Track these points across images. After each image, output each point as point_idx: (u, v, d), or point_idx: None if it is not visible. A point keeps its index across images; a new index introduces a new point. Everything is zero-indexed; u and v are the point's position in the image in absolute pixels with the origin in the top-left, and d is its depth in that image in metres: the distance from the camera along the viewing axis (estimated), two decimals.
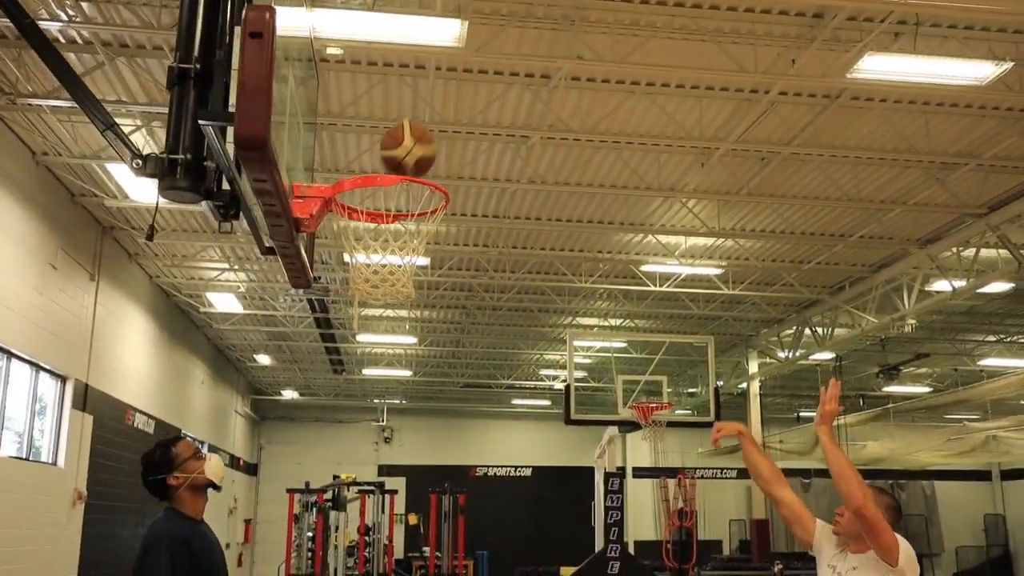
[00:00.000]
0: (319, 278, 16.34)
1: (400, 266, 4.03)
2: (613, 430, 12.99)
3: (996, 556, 30.31)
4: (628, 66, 8.64)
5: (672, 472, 23.55)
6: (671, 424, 13.14)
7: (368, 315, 19.32)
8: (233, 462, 24.68)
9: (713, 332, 19.45)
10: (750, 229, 13.76)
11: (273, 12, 3.20)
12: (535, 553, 24.98)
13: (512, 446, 31.26)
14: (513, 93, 9.84)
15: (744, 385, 21.25)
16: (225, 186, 3.92)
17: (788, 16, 8.32)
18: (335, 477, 18.98)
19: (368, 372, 24.42)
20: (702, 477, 25.78)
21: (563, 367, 24.66)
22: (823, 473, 29.08)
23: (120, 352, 14.32)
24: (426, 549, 21.16)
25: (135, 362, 15.18)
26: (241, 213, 4.19)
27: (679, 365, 21.86)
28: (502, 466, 31.05)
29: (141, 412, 15.30)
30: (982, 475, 31.26)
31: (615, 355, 19.42)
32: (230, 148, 3.41)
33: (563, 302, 17.42)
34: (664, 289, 15.65)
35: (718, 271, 15.23)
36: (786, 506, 4.10)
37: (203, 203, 3.98)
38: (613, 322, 19.47)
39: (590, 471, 30.48)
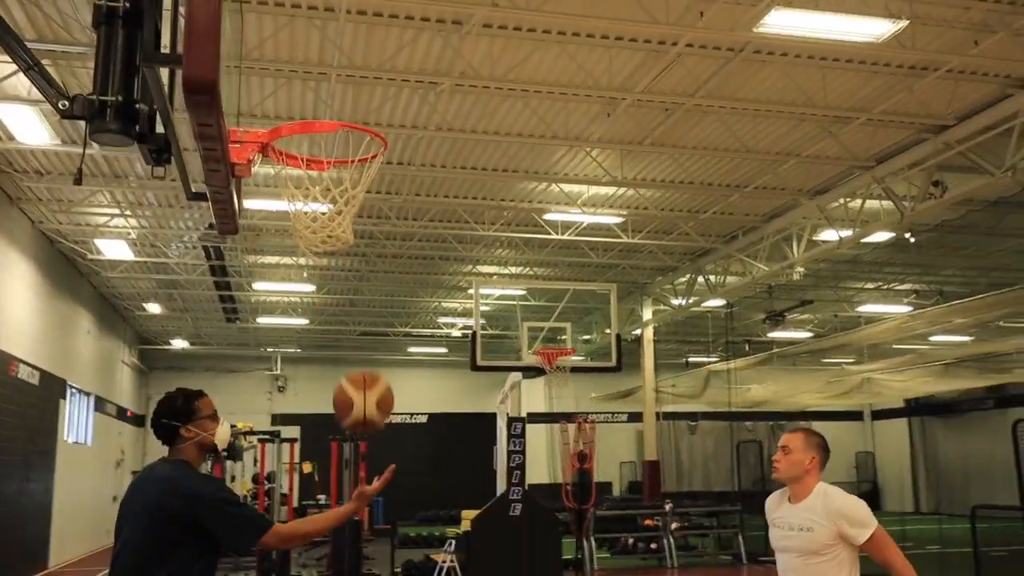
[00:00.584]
0: (214, 224, 15.90)
1: (340, 212, 3.96)
2: (517, 376, 13.17)
3: (866, 491, 32.19)
4: (543, 15, 8.64)
5: (570, 417, 24.13)
6: (574, 370, 13.43)
7: (265, 263, 18.97)
8: (120, 413, 24.01)
9: (610, 280, 19.85)
10: (651, 179, 14.04)
11: None
12: (431, 499, 25.21)
13: (408, 393, 31.28)
14: (424, 39, 9.72)
15: (638, 331, 21.80)
16: (159, 129, 3.82)
17: None
18: (232, 426, 18.72)
19: (263, 320, 24.03)
20: (594, 422, 26.51)
21: (461, 315, 24.82)
22: (709, 416, 30.32)
23: (1, 301, 13.68)
24: (321, 497, 21.15)
25: (17, 311, 14.52)
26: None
27: (575, 312, 22.25)
28: (398, 413, 31.07)
29: (25, 363, 14.70)
30: (855, 415, 33.09)
31: (515, 302, 19.63)
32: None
33: (464, 250, 17.47)
34: (565, 237, 15.88)
35: (619, 220, 15.52)
36: None
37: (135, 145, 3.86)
38: (513, 270, 19.63)
39: (485, 417, 31.00)
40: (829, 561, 3.86)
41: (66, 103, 3.82)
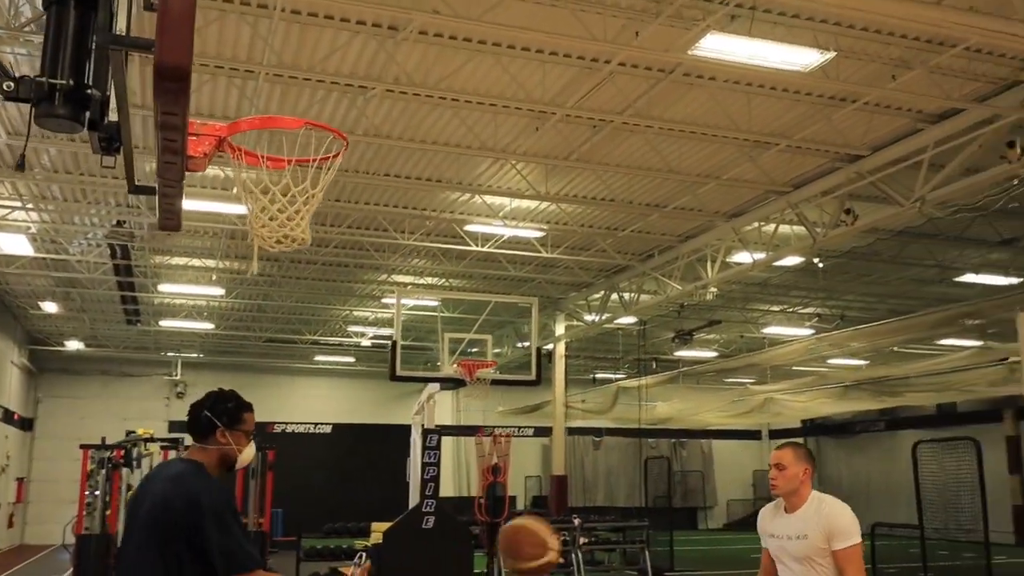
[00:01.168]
0: (124, 222, 15.38)
1: (299, 212, 3.84)
2: (434, 387, 13.06)
3: (762, 508, 33.07)
4: (481, 24, 8.62)
5: (475, 430, 24.07)
6: (494, 382, 13.40)
7: (173, 264, 18.39)
8: (7, 416, 22.89)
9: (525, 294, 19.93)
10: (574, 194, 14.14)
11: None
12: (335, 511, 24.70)
13: (312, 403, 30.79)
14: (358, 42, 9.60)
15: (550, 346, 21.90)
16: (112, 117, 3.64)
17: None
18: (129, 433, 18.06)
19: (166, 324, 23.27)
20: (510, 435, 26.45)
21: (373, 324, 24.52)
22: (614, 432, 30.67)
23: None
24: None
25: None
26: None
27: (488, 325, 22.21)
28: (301, 423, 30.52)
29: None
30: (753, 434, 33.93)
31: (429, 313, 19.53)
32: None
33: (381, 258, 17.28)
34: (485, 249, 15.87)
35: (539, 234, 15.59)
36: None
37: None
38: (429, 280, 19.52)
39: (392, 428, 30.77)
40: (827, 568, 3.97)
41: (11, 84, 3.60)
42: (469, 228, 15.30)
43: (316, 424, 30.76)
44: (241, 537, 3.45)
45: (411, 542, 12.64)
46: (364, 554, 13.17)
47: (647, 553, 16.80)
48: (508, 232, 15.17)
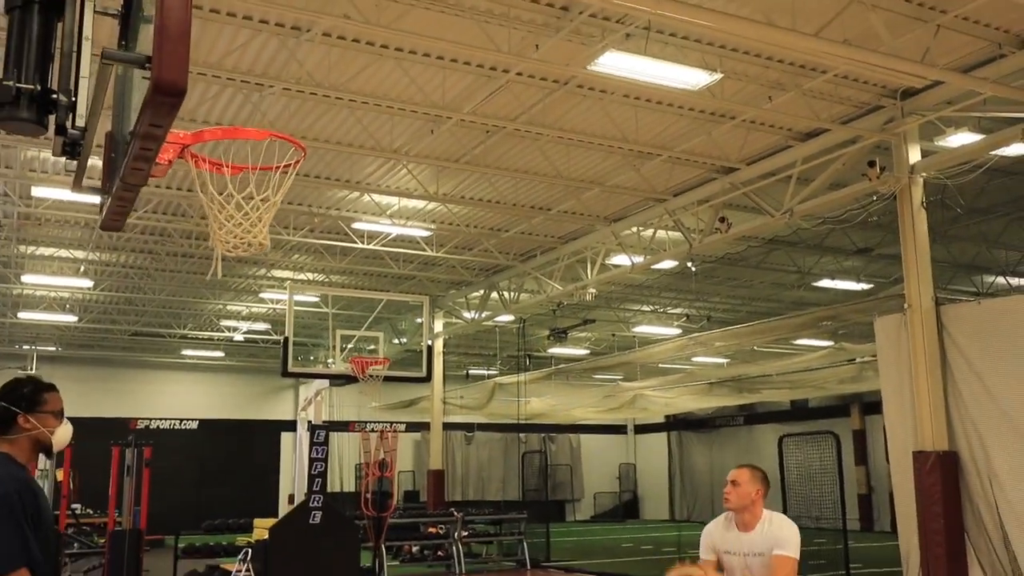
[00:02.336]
0: None
1: (260, 218, 4.00)
2: (321, 383, 13.11)
3: (627, 500, 34.29)
4: (389, 31, 8.81)
5: (346, 425, 24.06)
6: (386, 379, 13.54)
7: (39, 254, 17.66)
8: None
9: (405, 291, 20.13)
10: (462, 196, 14.44)
11: None
12: (201, 507, 24.23)
13: (178, 398, 29.97)
14: (259, 40, 9.61)
15: (429, 342, 22.09)
16: (80, 123, 3.71)
17: (539, 5, 8.94)
18: None
19: (25, 315, 22.22)
20: (373, 431, 26.54)
21: (246, 319, 24.12)
22: (485, 427, 31.15)
23: None
24: (76, 507, 19.91)
25: None
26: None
27: (364, 321, 22.22)
28: (166, 418, 29.65)
29: None
30: (619, 429, 35.08)
31: (311, 309, 19.42)
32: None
33: (263, 255, 17.11)
34: (370, 247, 15.97)
35: (426, 233, 15.82)
36: None
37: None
38: (309, 276, 19.43)
39: (260, 424, 30.31)
40: None
41: None
42: (356, 226, 15.38)
43: (182, 420, 29.92)
44: (16, 540, 3.33)
45: (299, 537, 12.68)
46: (249, 550, 13.16)
47: (524, 544, 17.29)
48: (395, 231, 15.33)
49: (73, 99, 3.77)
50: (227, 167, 3.93)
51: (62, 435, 3.65)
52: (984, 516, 9.83)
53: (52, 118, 3.76)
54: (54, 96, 3.72)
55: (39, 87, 3.66)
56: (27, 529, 3.39)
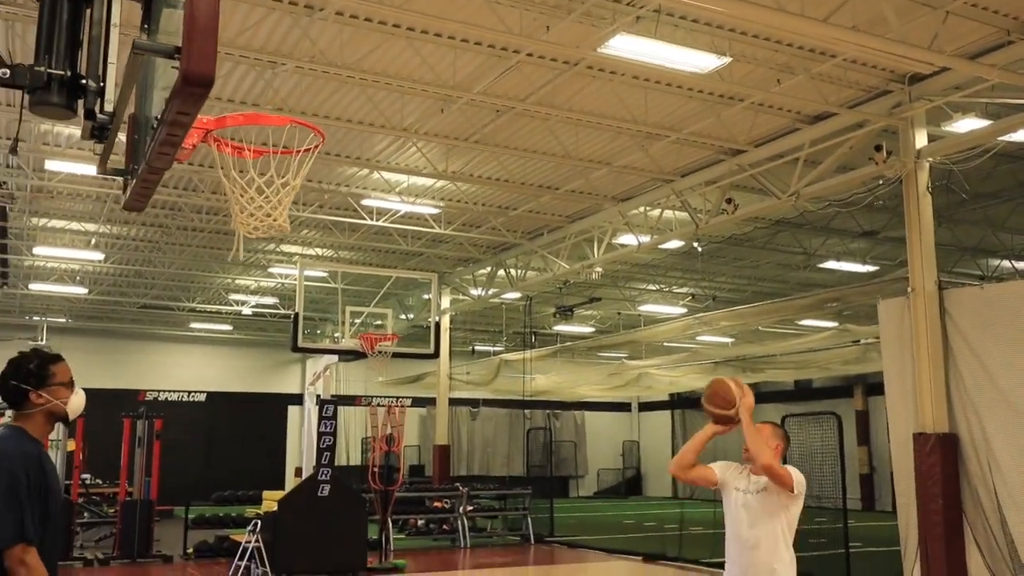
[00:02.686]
0: (4, 183, 14.87)
1: (280, 201, 4.12)
2: (330, 358, 13.29)
3: (630, 476, 34.57)
4: (403, 11, 8.89)
5: (353, 400, 24.24)
6: (394, 355, 13.70)
7: (51, 227, 17.82)
8: None
9: (413, 267, 20.28)
10: (471, 174, 14.53)
11: None
12: (208, 479, 24.52)
13: (186, 371, 30.23)
14: (272, 18, 9.70)
15: (436, 318, 22.25)
16: (108, 108, 3.83)
17: None
18: None
19: (36, 287, 22.43)
20: (380, 405, 26.80)
21: (254, 293, 24.31)
22: (491, 403, 31.39)
23: None
24: (86, 477, 20.16)
25: None
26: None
27: (372, 296, 22.37)
28: (174, 391, 29.92)
29: None
30: (624, 407, 35.31)
31: (319, 284, 19.58)
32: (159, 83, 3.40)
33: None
34: (380, 223, 16.10)
35: (435, 211, 15.93)
36: (694, 473, 4.91)
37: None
38: (319, 251, 19.57)
39: (267, 397, 30.59)
40: (775, 526, 4.63)
41: (6, 71, 3.77)
42: (365, 202, 15.50)
43: (190, 392, 30.19)
44: (8, 506, 3.43)
45: (306, 510, 12.90)
46: (259, 522, 13.38)
47: (529, 519, 17.52)
48: (405, 208, 15.44)
49: (101, 84, 3.89)
50: (249, 151, 4.05)
51: (76, 403, 3.78)
52: (982, 498, 9.98)
53: (81, 102, 3.91)
54: (83, 81, 3.85)
55: (69, 73, 3.79)
56: (28, 506, 3.48)
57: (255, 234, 4.24)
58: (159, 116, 3.59)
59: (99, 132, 3.99)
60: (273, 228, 4.20)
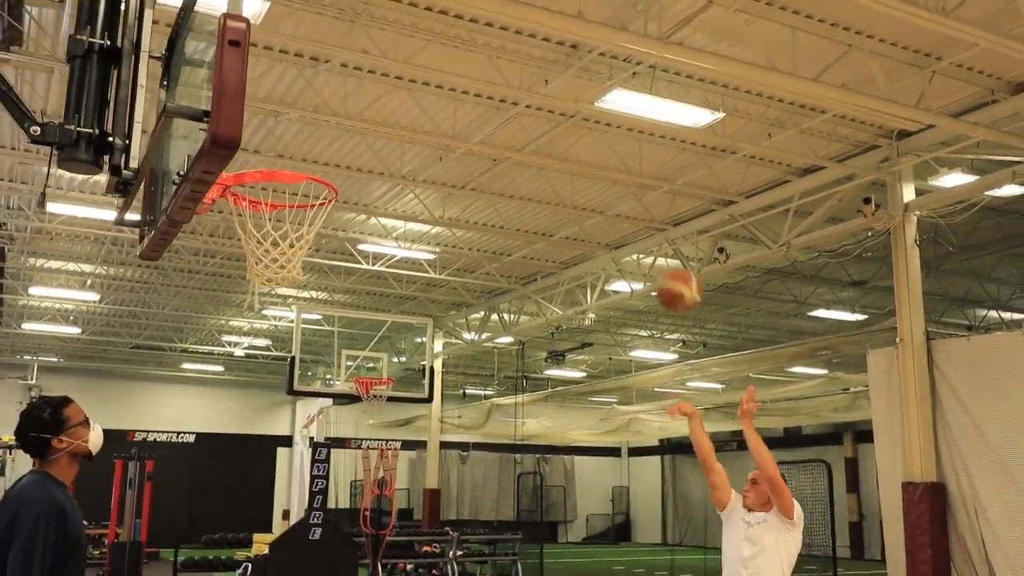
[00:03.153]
0: (4, 224, 15.02)
1: (293, 251, 4.29)
2: (325, 402, 13.37)
3: (620, 522, 34.44)
4: (408, 66, 9.14)
5: (344, 442, 24.23)
6: (389, 399, 13.77)
7: (47, 267, 17.93)
8: None
9: (406, 311, 20.42)
10: (466, 220, 14.74)
11: (248, 22, 3.44)
12: (197, 521, 24.39)
13: (175, 411, 30.15)
14: (278, 69, 9.93)
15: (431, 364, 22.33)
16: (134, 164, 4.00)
17: (549, 43, 9.27)
18: None
19: (29, 327, 22.45)
20: (372, 448, 26.73)
21: (247, 334, 24.39)
22: (481, 447, 31.35)
23: None
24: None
25: None
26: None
27: (364, 340, 22.49)
28: (164, 431, 29.81)
29: None
30: (613, 452, 35.28)
31: (312, 327, 19.66)
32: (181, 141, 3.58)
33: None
34: (375, 268, 16.27)
35: (431, 256, 16.12)
36: (717, 474, 5.07)
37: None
38: (314, 294, 19.70)
39: (256, 439, 30.49)
40: (775, 554, 4.78)
41: (37, 128, 3.95)
42: (362, 247, 15.68)
43: (179, 433, 30.09)
44: (33, 564, 3.49)
45: (298, 553, 12.89)
46: (249, 565, 13.37)
47: (519, 565, 17.48)
48: (401, 253, 15.63)
49: (127, 141, 4.07)
50: (265, 205, 4.21)
51: (95, 439, 3.89)
52: (970, 547, 10.09)
53: (107, 159, 4.08)
54: (110, 139, 4.02)
55: (97, 131, 3.97)
56: (45, 553, 3.54)
57: (269, 285, 4.39)
58: (181, 172, 3.75)
59: (123, 187, 4.16)
60: (287, 279, 4.35)
